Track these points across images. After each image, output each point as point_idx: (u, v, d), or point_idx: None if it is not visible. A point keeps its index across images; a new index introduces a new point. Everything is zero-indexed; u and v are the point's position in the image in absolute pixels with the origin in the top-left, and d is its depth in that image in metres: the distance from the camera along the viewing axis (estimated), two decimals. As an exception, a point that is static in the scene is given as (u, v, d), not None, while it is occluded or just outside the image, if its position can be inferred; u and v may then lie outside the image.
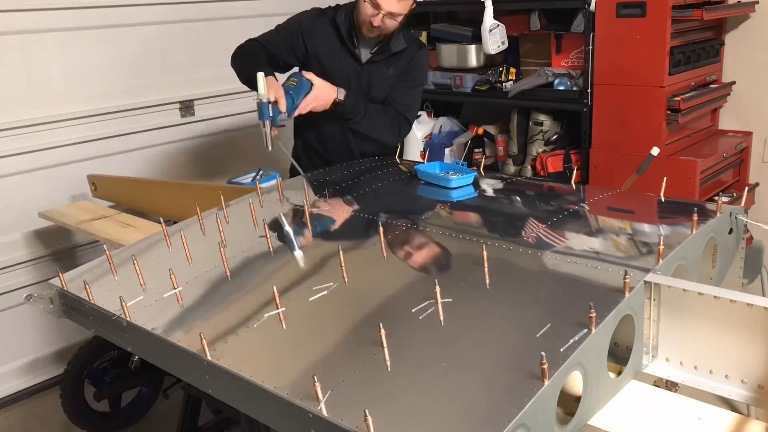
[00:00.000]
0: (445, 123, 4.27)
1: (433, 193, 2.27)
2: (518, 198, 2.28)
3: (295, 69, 2.68)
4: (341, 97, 2.56)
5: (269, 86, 2.33)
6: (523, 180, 2.96)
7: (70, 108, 3.24)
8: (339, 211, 2.17)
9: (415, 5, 2.55)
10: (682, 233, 1.67)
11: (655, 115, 3.17)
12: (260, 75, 2.31)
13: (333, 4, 2.71)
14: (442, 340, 1.38)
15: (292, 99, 2.41)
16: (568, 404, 1.33)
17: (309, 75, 2.51)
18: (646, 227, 1.91)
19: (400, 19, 2.51)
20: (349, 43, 2.62)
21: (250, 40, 2.67)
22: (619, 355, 1.50)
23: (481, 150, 4.07)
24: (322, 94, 2.51)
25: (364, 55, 2.67)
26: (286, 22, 2.70)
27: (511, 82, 3.73)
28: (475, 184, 2.30)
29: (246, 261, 1.89)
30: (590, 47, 3.31)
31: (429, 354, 1.34)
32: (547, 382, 1.17)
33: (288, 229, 2.08)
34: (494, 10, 3.62)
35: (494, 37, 3.66)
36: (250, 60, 2.55)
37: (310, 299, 1.60)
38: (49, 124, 3.18)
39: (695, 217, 1.65)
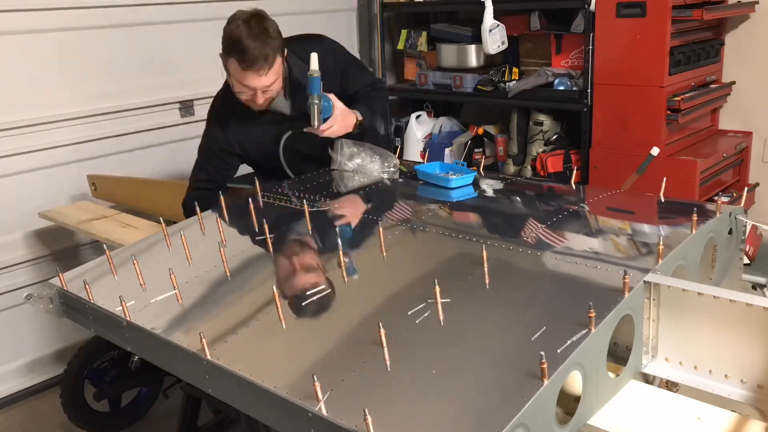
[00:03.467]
0: (445, 123, 4.28)
1: (433, 193, 2.27)
2: (518, 198, 2.28)
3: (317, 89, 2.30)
4: (360, 117, 2.44)
5: None
6: (523, 180, 2.96)
7: (69, 108, 3.24)
8: (339, 211, 2.17)
9: (284, 61, 2.33)
10: (682, 233, 1.67)
11: (655, 115, 3.18)
12: (314, 55, 2.22)
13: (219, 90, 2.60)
14: (441, 340, 1.38)
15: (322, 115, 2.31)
16: (568, 404, 1.33)
17: (332, 96, 2.35)
18: (645, 227, 1.91)
19: (278, 83, 2.29)
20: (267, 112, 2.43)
21: (189, 194, 2.51)
22: (619, 354, 1.50)
23: (481, 150, 4.07)
24: (345, 120, 2.37)
25: (284, 108, 2.47)
26: (204, 149, 2.54)
27: (514, 82, 3.73)
28: (475, 184, 2.30)
29: (246, 261, 1.89)
30: (590, 47, 3.32)
31: (429, 354, 1.34)
32: (546, 382, 1.17)
33: (288, 229, 2.08)
34: (494, 10, 3.63)
35: (494, 37, 3.67)
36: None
37: (303, 304, 1.59)
38: (49, 124, 3.17)
39: (695, 217, 1.65)
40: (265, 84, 2.25)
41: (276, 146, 2.54)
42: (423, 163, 2.59)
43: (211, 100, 3.75)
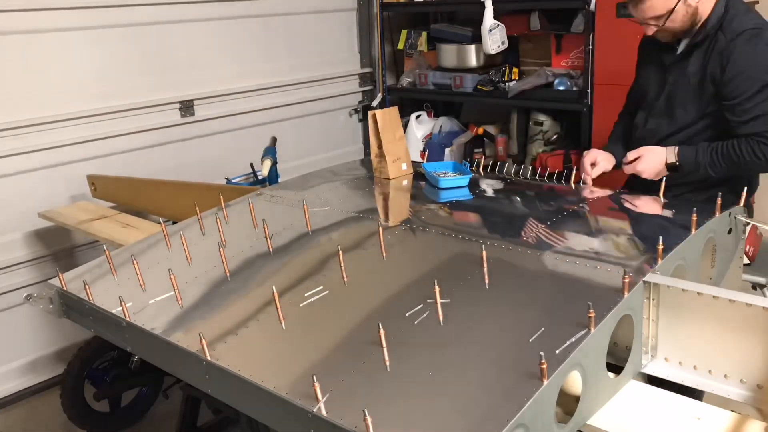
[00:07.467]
0: (445, 123, 4.27)
1: (429, 192, 2.28)
2: (518, 198, 2.28)
3: None
4: (672, 158, 2.12)
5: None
6: (523, 180, 2.96)
7: (70, 108, 3.23)
8: (338, 212, 2.17)
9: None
10: (682, 233, 1.67)
11: (654, 115, 3.17)
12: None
13: None
14: (441, 340, 1.38)
15: None
16: (568, 404, 1.33)
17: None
18: (645, 227, 1.91)
19: (671, 17, 2.11)
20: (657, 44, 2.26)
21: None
22: (619, 354, 1.50)
23: (481, 150, 4.07)
24: (648, 166, 2.15)
25: (672, 55, 2.25)
26: None
27: (514, 82, 3.73)
28: (475, 184, 2.30)
29: (245, 261, 1.89)
30: (590, 47, 3.32)
31: (428, 354, 1.34)
32: (546, 382, 1.17)
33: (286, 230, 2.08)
34: (494, 10, 3.63)
35: (494, 37, 3.67)
36: None
37: (301, 305, 1.59)
38: (49, 124, 3.17)
39: (694, 217, 1.65)
40: (647, 15, 2.20)
41: (650, 99, 2.35)
42: (423, 162, 2.59)
43: (210, 99, 3.77)
